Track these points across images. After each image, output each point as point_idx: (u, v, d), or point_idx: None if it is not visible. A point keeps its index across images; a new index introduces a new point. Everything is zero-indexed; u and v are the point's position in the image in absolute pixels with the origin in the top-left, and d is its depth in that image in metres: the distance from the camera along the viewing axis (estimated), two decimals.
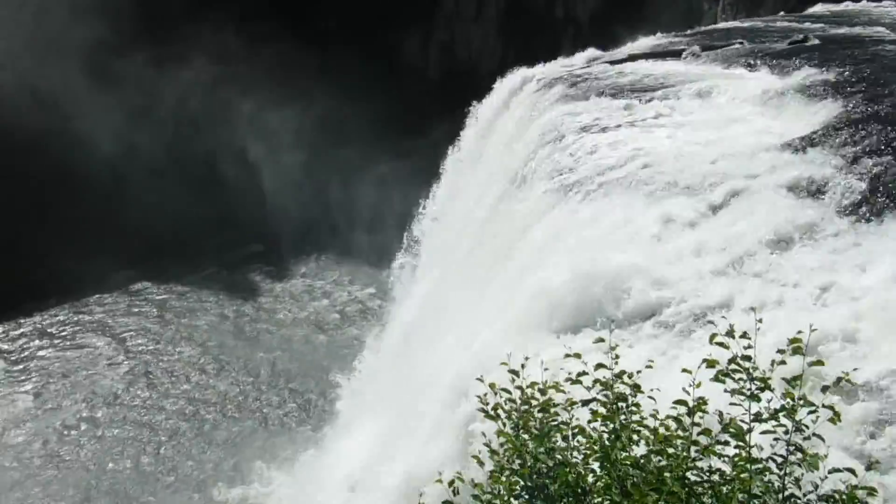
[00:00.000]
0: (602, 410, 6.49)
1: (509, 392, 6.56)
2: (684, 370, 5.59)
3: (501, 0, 52.14)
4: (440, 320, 16.70)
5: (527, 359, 6.72)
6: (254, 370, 30.78)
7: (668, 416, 6.37)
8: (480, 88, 30.64)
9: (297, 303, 35.51)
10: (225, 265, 37.44)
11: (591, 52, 27.16)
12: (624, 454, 6.23)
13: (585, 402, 6.46)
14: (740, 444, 5.71)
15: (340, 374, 28.17)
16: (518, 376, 6.58)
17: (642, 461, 6.07)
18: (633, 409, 6.44)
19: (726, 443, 5.95)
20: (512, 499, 6.25)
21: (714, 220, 12.16)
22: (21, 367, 31.38)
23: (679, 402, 5.73)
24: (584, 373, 6.48)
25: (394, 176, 37.47)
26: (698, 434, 6.07)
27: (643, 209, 12.53)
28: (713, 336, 5.42)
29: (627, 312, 10.46)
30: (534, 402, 6.49)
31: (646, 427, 6.31)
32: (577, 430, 6.48)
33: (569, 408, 6.64)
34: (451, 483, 6.49)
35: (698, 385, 5.94)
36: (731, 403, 5.82)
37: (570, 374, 6.52)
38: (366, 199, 38.70)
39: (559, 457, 6.27)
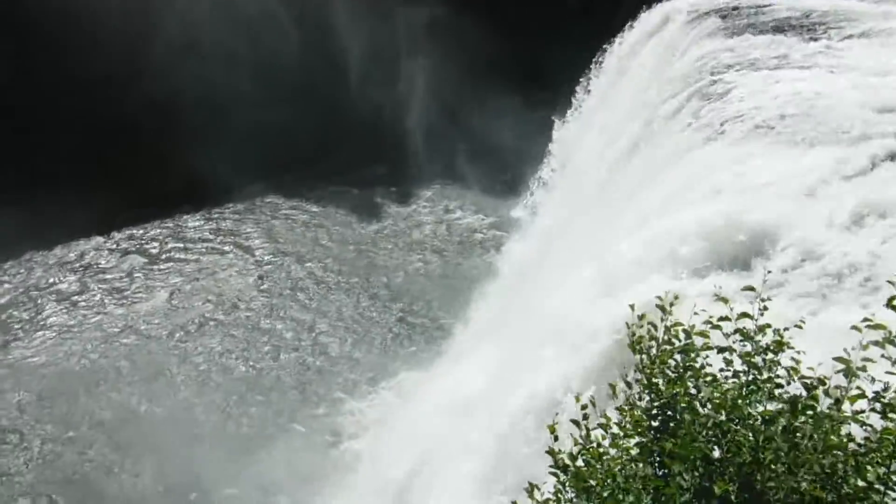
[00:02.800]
0: (738, 362, 6.32)
1: (655, 327, 6.49)
2: (854, 327, 5.34)
3: None
4: (566, 253, 16.57)
5: (676, 297, 6.60)
6: (371, 289, 31.53)
7: (812, 379, 6.15)
8: (623, 19, 29.67)
9: (417, 226, 35.91)
10: (351, 184, 38.10)
11: None
12: (759, 408, 6.04)
13: (721, 350, 6.33)
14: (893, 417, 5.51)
15: (457, 301, 28.56)
16: (666, 313, 6.50)
17: (775, 422, 5.88)
18: (773, 365, 6.23)
19: (874, 411, 5.73)
20: (636, 434, 6.25)
21: (871, 175, 11.47)
22: (158, 266, 33.24)
23: (839, 359, 5.49)
24: (727, 318, 6.33)
25: (528, 108, 36.94)
26: (844, 398, 5.87)
27: (794, 157, 11.92)
28: (892, 298, 5.13)
29: (770, 265, 10.07)
30: (675, 343, 6.40)
31: (781, 386, 6.12)
32: (710, 379, 6.32)
33: (704, 354, 6.46)
34: (583, 407, 6.52)
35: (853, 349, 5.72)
36: (888, 372, 5.58)
37: (711, 316, 6.39)
38: (497, 129, 38.35)
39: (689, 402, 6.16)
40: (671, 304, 6.38)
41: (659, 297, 6.37)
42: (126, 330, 29.94)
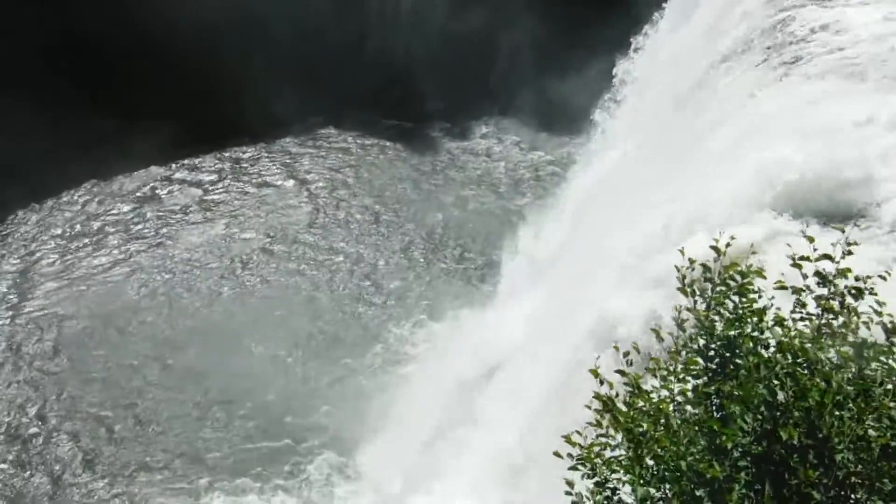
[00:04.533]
0: (812, 305, 6.14)
1: (708, 269, 6.32)
2: None
3: None
4: (629, 190, 16.37)
5: (732, 238, 6.47)
6: (425, 225, 31.70)
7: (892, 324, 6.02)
8: None
9: (473, 163, 35.77)
10: (407, 118, 37.89)
11: None
12: (830, 354, 5.87)
13: (796, 290, 6.18)
14: None
15: (511, 238, 28.57)
16: (720, 254, 6.34)
17: (845, 368, 5.74)
18: (851, 312, 6.08)
19: None
20: (688, 377, 6.10)
21: None
22: (215, 197, 33.82)
23: None
24: (806, 257, 6.16)
25: (591, 43, 36.02)
26: None
27: (879, 100, 11.46)
28: None
29: (850, 213, 9.81)
30: (732, 284, 6.22)
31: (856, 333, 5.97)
32: (776, 321, 6.14)
33: (769, 296, 6.28)
34: (625, 354, 6.48)
35: None
36: None
37: (794, 254, 6.25)
38: (557, 65, 37.55)
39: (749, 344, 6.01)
40: (727, 245, 6.22)
41: (715, 240, 6.24)
42: (182, 260, 30.71)
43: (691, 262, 6.28)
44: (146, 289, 29.51)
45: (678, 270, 6.30)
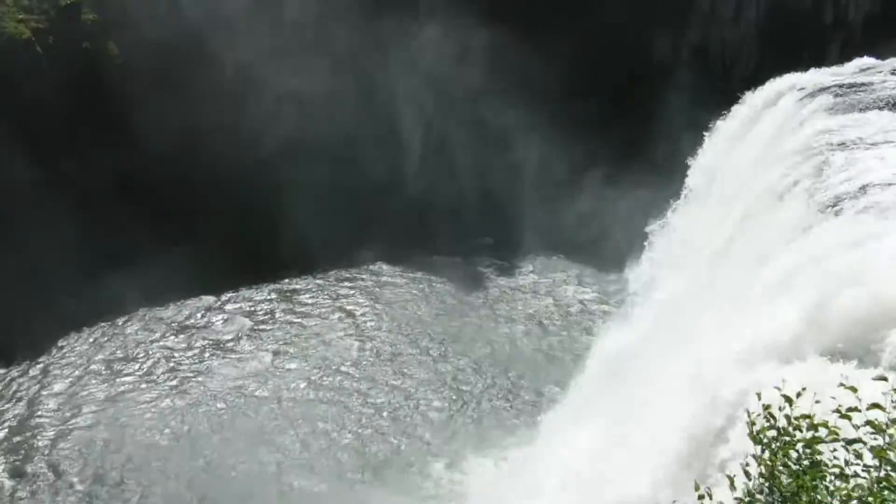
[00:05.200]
0: (868, 455, 6.13)
1: (774, 418, 6.41)
2: None
3: (763, 1, 49.99)
4: (678, 330, 16.76)
5: (803, 389, 6.46)
6: (474, 359, 32.13)
7: None
8: (734, 94, 30.04)
9: (521, 298, 36.51)
10: (457, 253, 39.15)
11: (864, 60, 25.60)
12: None
13: (850, 442, 6.16)
14: None
15: (560, 374, 28.82)
16: (792, 403, 6.38)
17: None
18: None
19: None
20: None
21: None
22: (264, 328, 34.76)
23: None
24: (856, 409, 6.15)
25: (633, 181, 37.45)
26: None
27: None
28: None
29: None
30: (798, 435, 6.30)
31: None
32: (836, 473, 6.19)
33: (830, 447, 6.29)
34: (700, 497, 6.48)
35: None
36: None
37: (840, 406, 6.24)
38: (602, 202, 38.89)
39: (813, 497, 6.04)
40: (798, 395, 6.23)
41: (778, 388, 6.30)
42: (229, 390, 31.31)
43: (766, 408, 6.31)
44: (191, 420, 29.97)
45: (749, 416, 6.39)
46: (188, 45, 38.33)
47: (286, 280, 37.78)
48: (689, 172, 30.85)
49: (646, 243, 33.99)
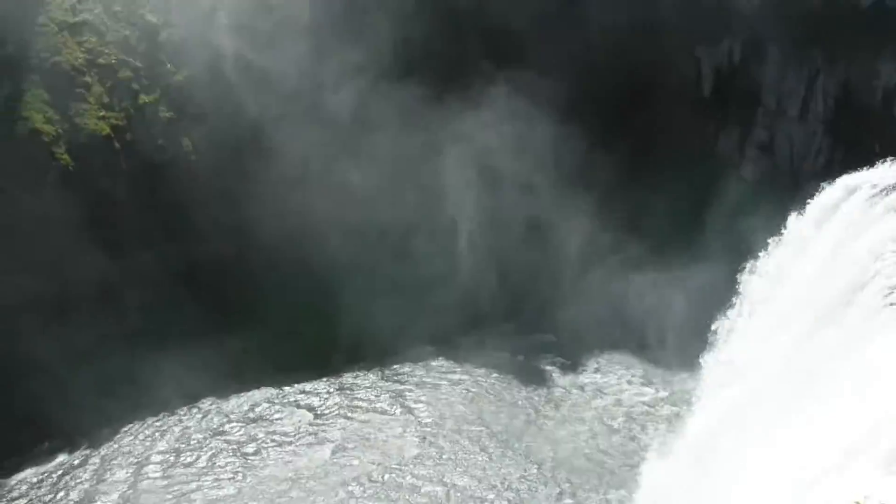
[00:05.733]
0: None
1: None
2: None
3: (830, 97, 50.11)
4: (748, 437, 16.49)
5: None
6: (536, 460, 31.81)
7: None
8: (802, 192, 30.03)
9: (584, 398, 36.29)
10: (517, 350, 39.22)
11: None
12: None
13: None
14: None
15: (625, 477, 28.26)
16: None
17: None
18: None
19: None
20: None
21: None
22: (323, 421, 34.97)
23: None
24: None
25: (696, 280, 37.43)
26: None
27: None
28: None
29: None
30: None
31: None
32: None
33: None
34: None
35: None
36: None
37: None
38: (666, 295, 38.80)
39: None
40: None
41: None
42: (290, 483, 31.39)
43: None
44: None
45: None
46: (254, 139, 40.05)
47: (345, 373, 38.10)
48: (754, 269, 30.65)
49: (712, 341, 33.60)
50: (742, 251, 33.28)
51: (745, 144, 49.43)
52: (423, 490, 30.42)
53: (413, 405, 35.86)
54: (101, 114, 37.53)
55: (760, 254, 30.33)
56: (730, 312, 31.02)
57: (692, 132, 49.61)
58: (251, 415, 35.78)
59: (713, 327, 32.97)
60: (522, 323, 40.90)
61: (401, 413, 35.32)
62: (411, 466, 31.84)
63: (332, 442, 33.72)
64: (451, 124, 41.61)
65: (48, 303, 34.12)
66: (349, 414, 35.57)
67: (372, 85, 41.44)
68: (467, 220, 42.78)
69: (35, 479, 31.68)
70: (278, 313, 38.62)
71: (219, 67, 40.16)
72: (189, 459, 33.06)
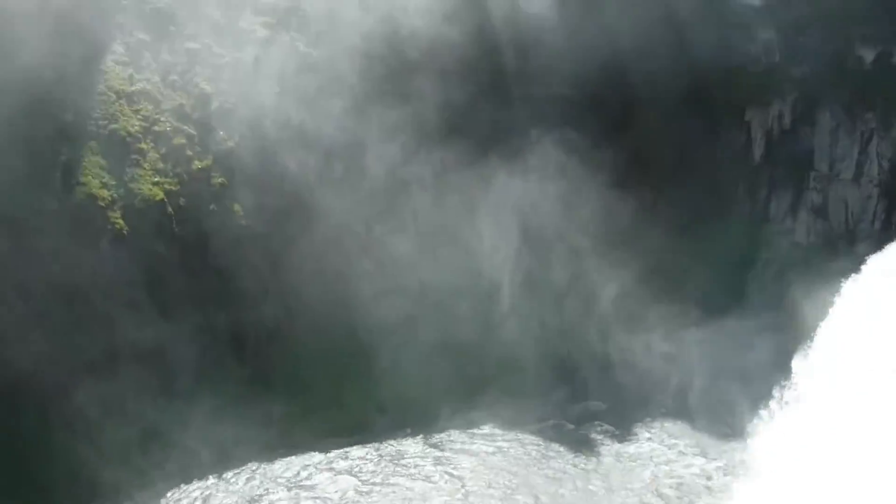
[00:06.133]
0: None
1: None
2: None
3: (885, 159, 49.52)
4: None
5: None
6: None
7: None
8: (856, 256, 29.64)
9: (634, 467, 35.66)
10: (567, 418, 38.82)
11: None
12: None
13: None
14: None
15: None
16: None
17: None
18: None
19: None
20: None
21: None
22: (370, 489, 34.70)
23: None
24: None
25: (747, 346, 36.97)
26: None
27: None
28: None
29: None
30: None
31: None
32: None
33: None
34: None
35: None
36: None
37: None
38: (716, 364, 38.29)
39: None
40: None
41: None
42: None
43: None
44: None
45: None
46: (298, 202, 40.69)
47: (389, 439, 37.91)
48: (809, 336, 30.17)
49: (765, 409, 32.93)
50: (796, 318, 32.89)
51: (797, 208, 49.01)
52: None
53: (458, 473, 35.43)
54: (156, 179, 38.50)
55: (814, 320, 29.87)
56: (783, 381, 30.48)
57: (743, 196, 49.53)
58: (296, 480, 35.60)
59: (767, 394, 32.40)
60: (569, 388, 40.57)
61: (446, 482, 34.89)
62: None
63: None
64: (493, 186, 42.06)
65: (98, 362, 34.63)
66: (393, 481, 35.23)
67: (415, 145, 42.17)
68: (510, 281, 42.80)
69: None
70: (322, 377, 38.83)
71: (265, 131, 41.10)
72: None
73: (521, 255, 42.84)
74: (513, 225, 42.71)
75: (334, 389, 38.03)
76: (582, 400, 40.23)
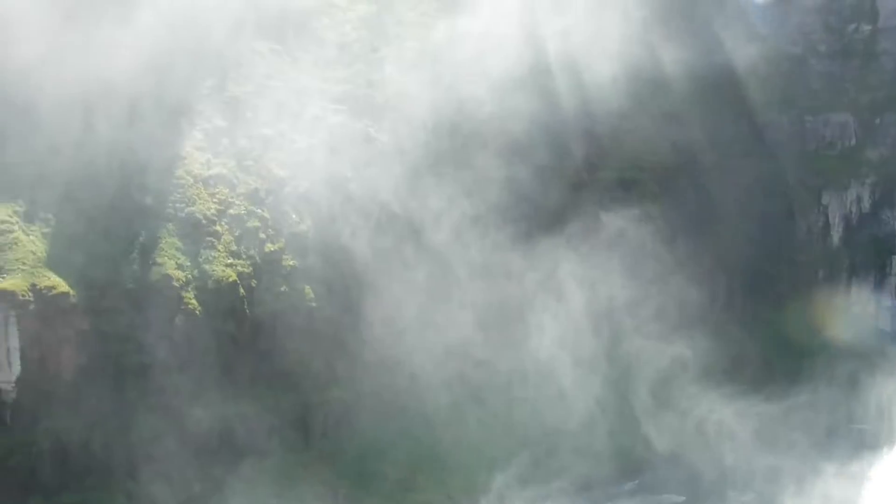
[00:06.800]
0: None
1: None
2: None
3: None
4: None
5: None
6: None
7: None
8: None
9: None
10: None
11: None
12: None
13: None
14: None
15: None
16: None
17: None
18: None
19: None
20: None
21: None
22: None
23: None
24: None
25: (836, 431, 35.63)
26: None
27: None
28: None
29: None
30: None
31: None
32: None
33: None
34: None
35: None
36: None
37: None
38: (802, 451, 36.98)
39: None
40: None
41: None
42: None
43: None
44: None
45: None
46: (362, 283, 41.01)
47: None
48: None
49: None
50: (882, 412, 31.72)
51: (880, 293, 47.86)
52: None
53: None
54: (229, 261, 39.33)
55: None
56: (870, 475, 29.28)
57: (822, 282, 48.57)
58: None
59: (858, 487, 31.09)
60: (645, 480, 39.34)
61: None
62: None
63: None
64: (560, 268, 41.78)
65: (165, 445, 34.85)
66: None
67: (483, 227, 42.45)
68: (574, 365, 42.06)
69: None
70: (390, 462, 38.34)
71: (335, 215, 41.83)
72: None
73: (585, 339, 42.19)
74: (579, 308, 42.26)
75: (402, 474, 37.48)
76: (656, 492, 38.86)
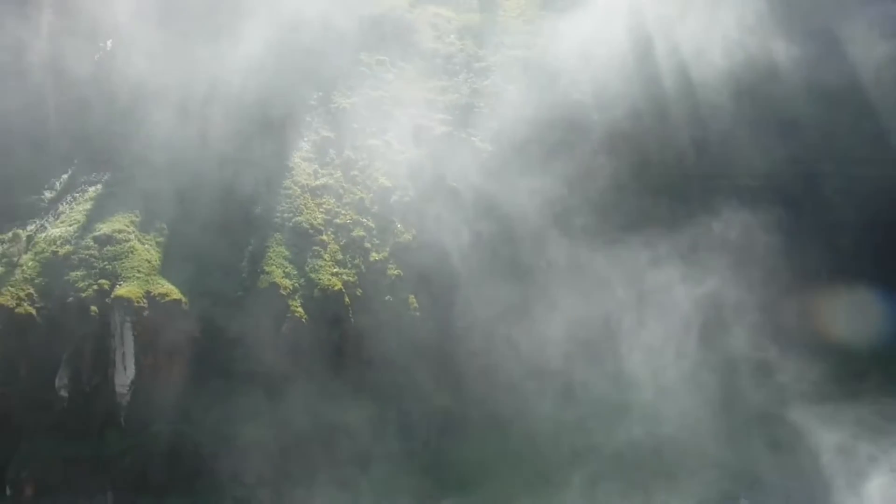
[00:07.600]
0: None
1: None
2: None
3: None
4: None
5: None
6: None
7: None
8: None
9: None
10: None
11: None
12: None
13: None
14: None
15: None
16: None
17: None
18: None
19: None
20: None
21: None
22: None
23: None
24: None
25: None
26: None
27: None
28: None
29: None
30: None
31: None
32: None
33: None
34: None
35: None
36: None
37: None
38: None
39: None
40: None
41: None
42: None
43: None
44: None
45: None
46: (469, 299, 41.00)
47: None
48: None
49: None
50: None
51: None
52: None
53: None
54: (335, 270, 40.01)
55: None
56: None
57: None
58: None
59: None
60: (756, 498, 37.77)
61: None
62: None
63: None
64: (669, 278, 40.79)
65: (270, 452, 35.53)
66: None
67: (591, 236, 41.88)
68: (676, 379, 40.82)
69: None
70: (495, 473, 37.92)
71: (441, 225, 42.02)
72: None
73: (694, 349, 40.91)
74: (689, 318, 41.06)
75: (507, 487, 37.02)
76: None
